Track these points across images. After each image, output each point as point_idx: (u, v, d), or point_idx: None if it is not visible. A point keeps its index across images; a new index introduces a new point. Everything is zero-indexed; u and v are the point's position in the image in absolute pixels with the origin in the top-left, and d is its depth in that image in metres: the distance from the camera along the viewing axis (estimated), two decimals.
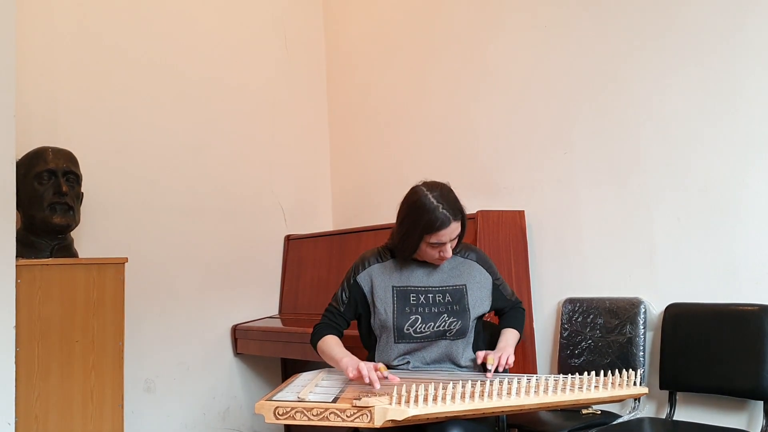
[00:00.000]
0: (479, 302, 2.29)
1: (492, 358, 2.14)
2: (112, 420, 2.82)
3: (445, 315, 2.23)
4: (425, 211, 2.14)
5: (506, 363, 2.16)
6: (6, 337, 2.53)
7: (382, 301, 2.26)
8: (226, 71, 3.85)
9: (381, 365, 2.05)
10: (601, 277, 2.92)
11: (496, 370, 2.13)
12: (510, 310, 2.42)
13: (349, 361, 2.09)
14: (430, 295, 2.25)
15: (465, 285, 2.28)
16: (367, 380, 1.97)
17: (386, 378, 2.01)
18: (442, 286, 2.27)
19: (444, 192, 2.18)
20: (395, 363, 2.24)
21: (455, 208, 2.15)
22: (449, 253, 2.20)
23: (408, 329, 2.22)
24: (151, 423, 3.44)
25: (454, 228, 2.15)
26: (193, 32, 3.74)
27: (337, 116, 4.26)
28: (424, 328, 2.22)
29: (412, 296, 2.25)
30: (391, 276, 2.29)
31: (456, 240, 2.21)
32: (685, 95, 2.69)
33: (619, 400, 2.00)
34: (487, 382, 1.89)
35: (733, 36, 2.56)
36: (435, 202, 2.13)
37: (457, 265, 2.31)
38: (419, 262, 2.29)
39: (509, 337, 2.30)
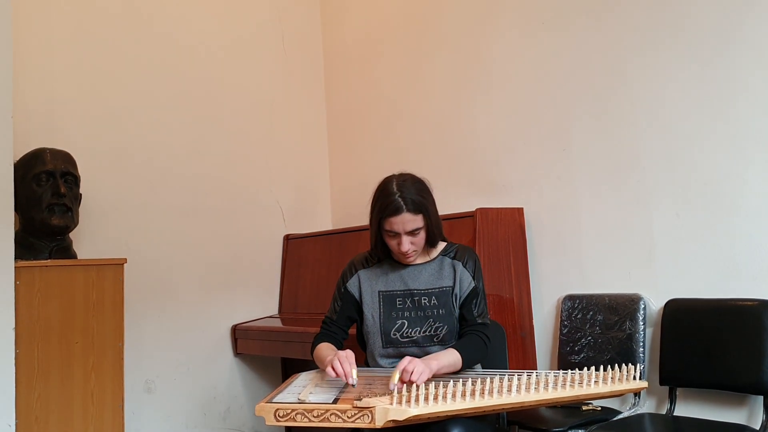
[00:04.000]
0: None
1: (397, 376, 1.89)
2: (112, 421, 2.81)
3: (432, 320, 2.19)
4: (382, 195, 2.15)
5: (411, 378, 1.90)
6: (5, 339, 2.52)
7: (369, 307, 2.25)
8: (224, 71, 3.85)
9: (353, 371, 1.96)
10: (601, 273, 2.92)
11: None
12: (470, 334, 2.19)
13: (330, 360, 2.02)
14: (416, 299, 2.22)
15: (451, 286, 2.23)
16: (340, 375, 1.94)
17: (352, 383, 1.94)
18: (428, 289, 2.23)
19: (411, 183, 2.15)
20: (387, 366, 2.22)
21: (413, 201, 2.10)
22: (405, 246, 2.14)
23: (395, 334, 2.20)
24: (151, 424, 3.44)
25: (408, 219, 2.11)
26: (190, 32, 3.74)
27: (335, 115, 4.26)
28: (411, 333, 2.19)
29: (399, 300, 2.23)
30: (377, 281, 2.27)
31: (416, 235, 2.14)
32: (684, 91, 2.69)
33: (619, 394, 1.99)
34: (488, 380, 1.89)
35: (732, 32, 2.56)
36: (395, 189, 2.12)
37: (444, 266, 2.26)
38: (406, 265, 2.26)
39: (442, 357, 2.05)
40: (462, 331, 2.22)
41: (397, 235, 2.15)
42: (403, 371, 1.91)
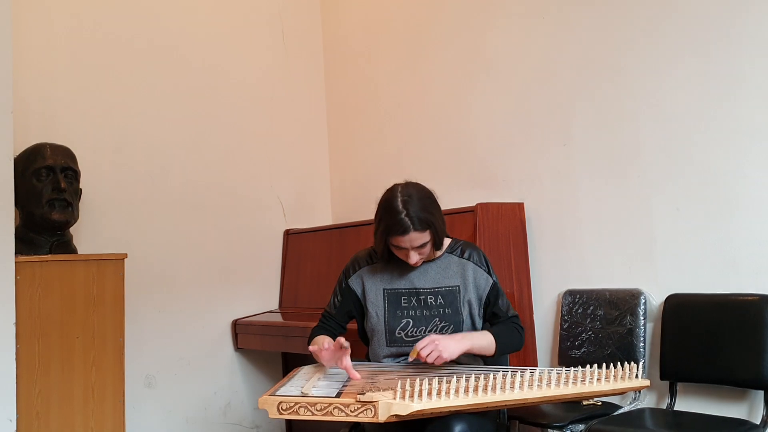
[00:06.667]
0: (473, 304, 2.21)
1: (418, 349, 1.97)
2: (113, 416, 2.82)
3: (437, 319, 2.18)
4: (389, 212, 2.09)
5: (429, 356, 1.96)
6: (6, 334, 2.52)
7: (374, 304, 2.23)
8: (224, 66, 3.84)
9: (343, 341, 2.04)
10: (601, 268, 2.92)
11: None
12: (504, 321, 2.23)
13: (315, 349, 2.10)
14: (422, 297, 2.21)
15: (458, 286, 2.22)
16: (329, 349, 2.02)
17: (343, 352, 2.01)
18: (434, 288, 2.22)
19: (417, 198, 2.11)
20: (390, 364, 2.22)
21: (420, 218, 2.07)
22: (413, 259, 2.13)
23: (399, 333, 2.19)
24: (152, 418, 3.44)
25: (415, 237, 2.08)
26: (191, 27, 3.73)
27: (335, 110, 4.25)
28: (416, 332, 2.18)
29: (404, 299, 2.22)
30: (382, 278, 2.25)
31: (423, 247, 2.13)
32: (684, 86, 2.68)
33: (621, 392, 2.00)
34: (491, 376, 1.89)
35: (732, 26, 2.56)
36: (401, 207, 2.08)
37: (450, 264, 2.25)
38: None
39: (475, 336, 2.11)
40: (496, 321, 2.25)
41: (403, 249, 2.13)
42: (419, 353, 1.96)
